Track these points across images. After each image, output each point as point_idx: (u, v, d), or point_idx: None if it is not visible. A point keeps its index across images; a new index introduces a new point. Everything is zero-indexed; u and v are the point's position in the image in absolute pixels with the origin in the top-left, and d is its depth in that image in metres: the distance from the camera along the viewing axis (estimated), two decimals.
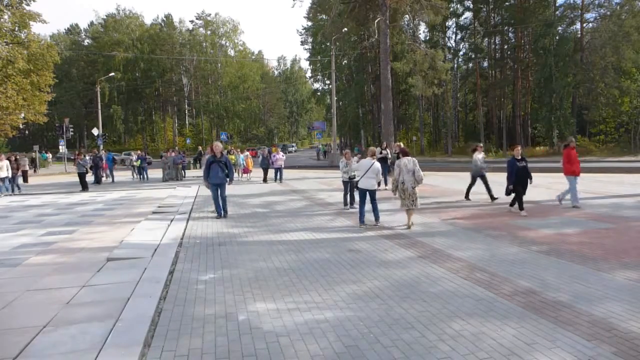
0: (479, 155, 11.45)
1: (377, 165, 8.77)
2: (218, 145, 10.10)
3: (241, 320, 4.10)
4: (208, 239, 7.85)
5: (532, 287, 4.78)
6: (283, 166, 19.77)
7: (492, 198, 11.23)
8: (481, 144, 12.57)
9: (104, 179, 22.51)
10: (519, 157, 9.42)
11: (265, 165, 19.81)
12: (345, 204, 10.99)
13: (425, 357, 3.31)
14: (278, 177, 19.23)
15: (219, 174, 9.75)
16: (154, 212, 10.95)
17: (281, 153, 20.77)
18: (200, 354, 3.45)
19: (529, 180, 9.47)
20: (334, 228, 8.50)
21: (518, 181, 9.27)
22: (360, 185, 8.71)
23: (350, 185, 10.83)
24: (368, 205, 8.69)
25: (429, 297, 4.59)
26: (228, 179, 10.08)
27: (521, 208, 9.30)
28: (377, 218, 8.69)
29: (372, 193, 8.67)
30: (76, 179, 18.89)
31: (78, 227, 9.46)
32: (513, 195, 9.54)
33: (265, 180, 19.40)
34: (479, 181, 11.49)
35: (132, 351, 3.41)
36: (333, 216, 9.90)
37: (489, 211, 9.96)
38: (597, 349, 3.34)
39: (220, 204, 9.99)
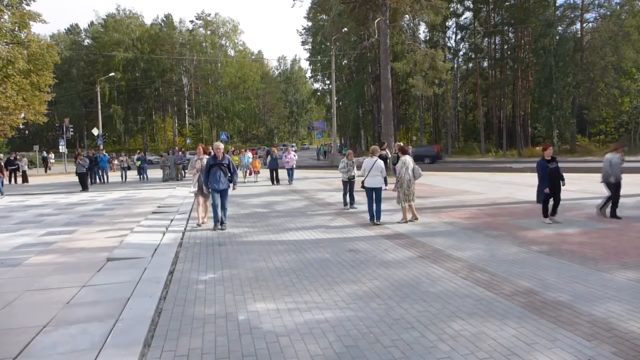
0: (614, 157, 8.92)
1: (380, 162, 8.86)
2: (219, 146, 8.58)
3: (241, 320, 4.10)
4: (208, 239, 7.85)
5: (532, 287, 4.78)
6: (295, 166, 18.54)
7: (613, 215, 8.79)
8: (621, 143, 9.92)
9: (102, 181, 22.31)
10: (549, 158, 8.32)
11: (275, 166, 18.45)
12: (345, 204, 10.99)
13: (425, 357, 3.31)
14: (290, 178, 18.11)
15: (220, 179, 8.37)
16: (154, 212, 10.94)
17: (293, 152, 19.32)
18: (200, 354, 3.45)
19: (561, 183, 8.36)
20: (334, 228, 8.50)
21: (550, 185, 8.21)
22: (366, 184, 8.83)
23: (350, 185, 10.85)
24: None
25: (429, 297, 4.59)
26: (231, 184, 8.67)
27: (546, 215, 8.39)
28: (378, 218, 8.72)
29: (378, 191, 8.72)
30: (76, 179, 18.86)
31: (78, 227, 9.47)
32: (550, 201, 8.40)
33: (273, 181, 18.25)
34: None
35: (132, 351, 3.41)
36: (333, 216, 9.89)
37: (489, 211, 9.96)
38: (597, 349, 3.34)
39: (219, 213, 8.61)
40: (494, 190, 13.64)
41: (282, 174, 19.00)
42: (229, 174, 8.56)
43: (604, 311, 4.06)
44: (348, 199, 10.95)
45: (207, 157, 9.01)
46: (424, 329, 3.81)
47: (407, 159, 8.88)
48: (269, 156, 20.03)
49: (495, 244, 6.83)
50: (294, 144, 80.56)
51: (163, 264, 6.00)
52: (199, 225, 8.97)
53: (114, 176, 23.15)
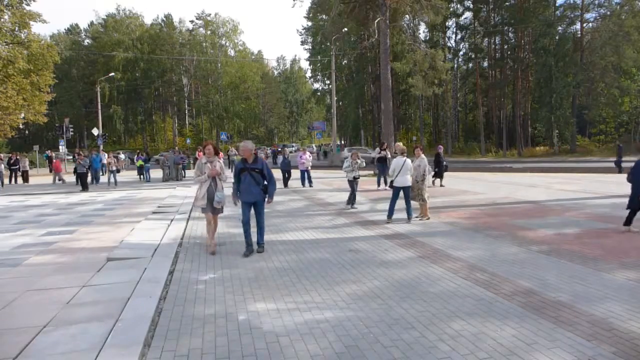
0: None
1: (409, 162, 8.97)
2: (247, 146, 6.55)
3: (241, 320, 4.10)
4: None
5: (532, 287, 4.78)
6: (310, 167, 16.79)
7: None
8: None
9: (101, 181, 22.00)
10: None
11: (286, 167, 16.83)
12: (348, 203, 11.01)
13: (425, 357, 3.31)
14: (307, 180, 16.37)
15: (252, 188, 6.44)
16: (154, 212, 10.95)
17: (308, 152, 17.37)
18: (200, 354, 3.45)
19: None
20: (334, 228, 8.50)
21: None
22: (395, 183, 8.93)
23: (354, 185, 10.93)
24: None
25: (429, 297, 4.58)
26: (267, 196, 6.58)
27: (630, 223, 7.45)
28: (409, 215, 8.89)
29: (407, 190, 8.87)
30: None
31: (78, 227, 9.46)
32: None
33: (285, 184, 16.47)
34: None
35: (132, 351, 3.41)
36: (333, 216, 9.90)
37: (489, 211, 9.96)
38: (597, 349, 3.33)
39: (250, 232, 6.64)
40: (494, 190, 13.64)
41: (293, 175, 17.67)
42: (264, 182, 6.47)
43: (604, 311, 4.06)
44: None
45: (219, 159, 7.07)
46: (424, 329, 3.81)
47: (425, 159, 9.21)
48: (280, 156, 19.10)
49: (495, 244, 6.83)
50: (294, 144, 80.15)
51: (163, 264, 6.00)
52: (212, 253, 6.72)
53: (106, 177, 22.41)
